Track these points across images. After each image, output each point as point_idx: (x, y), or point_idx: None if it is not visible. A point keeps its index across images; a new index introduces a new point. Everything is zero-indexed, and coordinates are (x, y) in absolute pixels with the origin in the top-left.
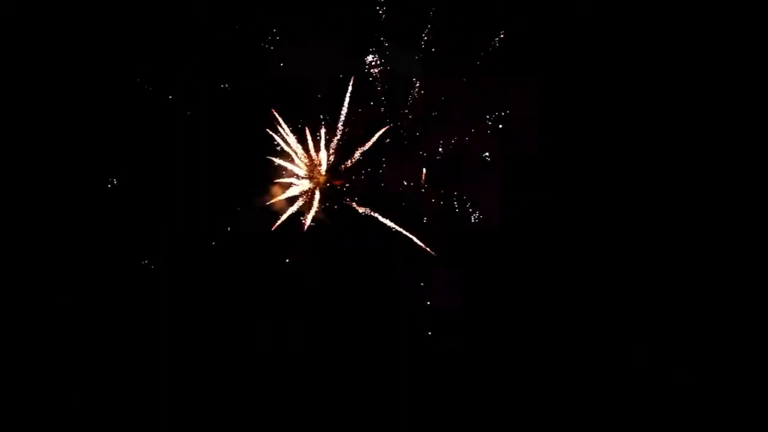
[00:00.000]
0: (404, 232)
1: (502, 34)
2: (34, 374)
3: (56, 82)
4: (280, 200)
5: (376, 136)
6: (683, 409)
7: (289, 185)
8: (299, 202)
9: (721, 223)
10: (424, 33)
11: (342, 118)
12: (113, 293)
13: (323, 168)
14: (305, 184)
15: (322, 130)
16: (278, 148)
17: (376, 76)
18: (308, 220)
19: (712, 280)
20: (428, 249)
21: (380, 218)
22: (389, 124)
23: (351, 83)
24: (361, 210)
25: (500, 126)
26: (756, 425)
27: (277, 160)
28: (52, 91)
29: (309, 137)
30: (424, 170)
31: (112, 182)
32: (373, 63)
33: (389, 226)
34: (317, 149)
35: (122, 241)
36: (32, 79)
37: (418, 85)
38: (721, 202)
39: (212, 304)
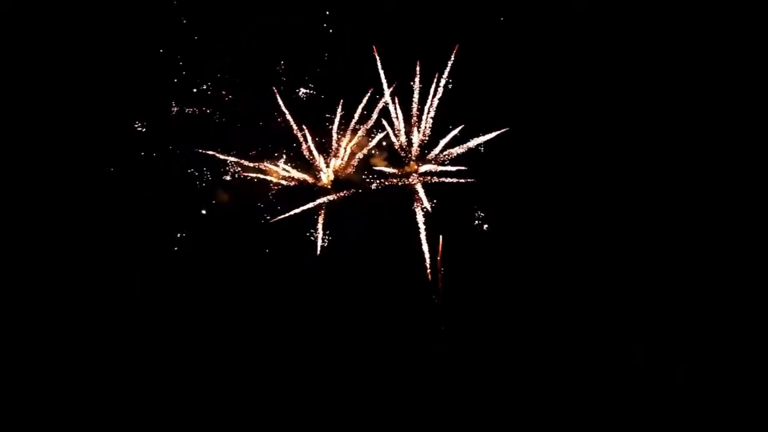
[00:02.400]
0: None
1: (503, 34)
2: (35, 373)
3: (56, 81)
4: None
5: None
6: (683, 409)
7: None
8: None
9: (721, 224)
10: (423, 34)
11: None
12: (113, 293)
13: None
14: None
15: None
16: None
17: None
18: None
19: (711, 281)
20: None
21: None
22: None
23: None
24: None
25: (499, 126)
26: (755, 425)
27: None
28: (51, 90)
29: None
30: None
31: (115, 182)
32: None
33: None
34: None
35: (121, 241)
36: (32, 78)
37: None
38: (720, 203)
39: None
